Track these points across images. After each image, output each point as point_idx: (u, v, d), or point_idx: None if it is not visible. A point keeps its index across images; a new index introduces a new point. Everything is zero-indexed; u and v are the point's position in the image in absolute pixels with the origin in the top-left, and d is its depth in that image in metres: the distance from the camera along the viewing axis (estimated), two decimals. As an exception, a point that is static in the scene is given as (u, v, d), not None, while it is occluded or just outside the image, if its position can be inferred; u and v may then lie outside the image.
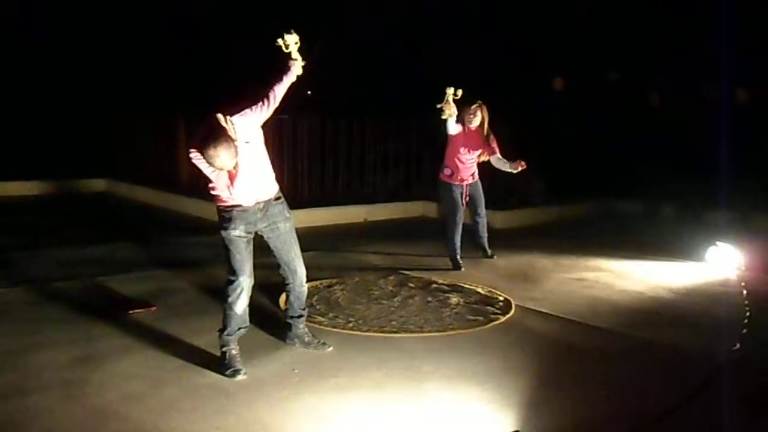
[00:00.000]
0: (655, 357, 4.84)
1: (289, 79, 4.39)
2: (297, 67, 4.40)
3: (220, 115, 4.04)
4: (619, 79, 13.49)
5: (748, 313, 5.75)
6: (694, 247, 7.92)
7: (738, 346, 4.94)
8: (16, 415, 3.67)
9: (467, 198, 7.18)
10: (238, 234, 4.31)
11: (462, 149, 7.01)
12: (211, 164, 4.02)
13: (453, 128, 6.92)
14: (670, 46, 12.39)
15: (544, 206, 11.07)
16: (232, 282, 4.34)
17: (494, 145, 7.07)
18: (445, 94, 6.72)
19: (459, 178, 7.08)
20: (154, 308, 5.55)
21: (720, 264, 7.40)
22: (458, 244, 7.14)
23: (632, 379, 4.41)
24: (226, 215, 4.32)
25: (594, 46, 13.16)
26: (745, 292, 6.45)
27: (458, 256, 7.14)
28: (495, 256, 7.59)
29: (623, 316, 5.76)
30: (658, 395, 4.16)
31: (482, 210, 7.39)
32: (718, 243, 7.56)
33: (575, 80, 13.56)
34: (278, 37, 4.37)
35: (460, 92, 6.73)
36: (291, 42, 4.37)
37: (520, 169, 6.97)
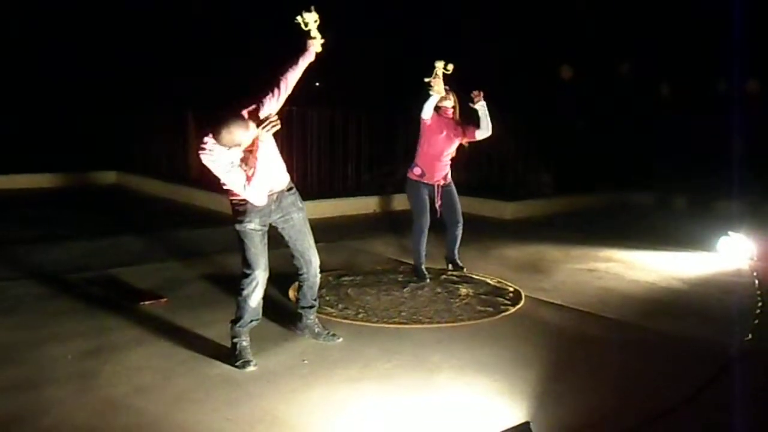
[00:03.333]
0: (666, 348, 4.83)
1: (306, 61, 4.32)
2: (316, 46, 4.32)
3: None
4: (630, 71, 13.43)
5: (760, 304, 5.73)
6: (705, 237, 7.89)
7: (750, 336, 4.92)
8: (29, 408, 3.69)
9: (440, 203, 6.35)
10: (252, 227, 4.29)
11: (438, 140, 6.25)
12: (225, 144, 3.94)
13: (429, 111, 6.13)
14: (681, 37, 12.33)
15: (554, 197, 11.04)
16: (247, 275, 4.33)
17: (469, 127, 6.33)
18: (434, 68, 6.00)
19: (430, 178, 6.31)
20: (164, 300, 5.57)
21: (732, 254, 7.37)
22: (424, 252, 6.38)
23: (643, 370, 4.40)
24: (240, 209, 4.29)
25: (604, 38, 13.09)
26: (757, 282, 6.43)
27: (423, 266, 6.39)
28: (465, 269, 6.64)
29: (634, 306, 5.75)
30: (670, 386, 4.14)
31: (459, 216, 6.46)
32: (729, 233, 7.52)
33: (585, 73, 13.49)
34: (294, 24, 4.27)
35: (450, 67, 6.03)
36: (310, 20, 4.27)
37: (480, 97, 6.23)
